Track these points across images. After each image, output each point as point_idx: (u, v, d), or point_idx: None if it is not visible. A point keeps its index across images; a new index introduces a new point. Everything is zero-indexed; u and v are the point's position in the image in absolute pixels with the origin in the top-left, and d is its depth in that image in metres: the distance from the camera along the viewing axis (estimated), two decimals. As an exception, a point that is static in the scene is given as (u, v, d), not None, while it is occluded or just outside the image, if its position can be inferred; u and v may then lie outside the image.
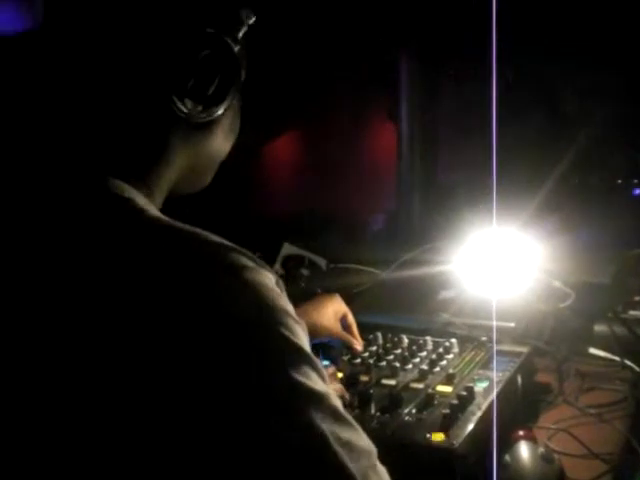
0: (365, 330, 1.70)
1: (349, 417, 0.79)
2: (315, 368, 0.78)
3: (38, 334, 0.77)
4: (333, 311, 1.24)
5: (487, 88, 1.44)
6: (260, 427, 0.73)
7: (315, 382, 0.77)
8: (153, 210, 0.85)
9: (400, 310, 1.92)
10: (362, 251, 2.66)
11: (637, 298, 1.83)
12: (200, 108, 0.87)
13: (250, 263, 0.78)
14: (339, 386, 1.33)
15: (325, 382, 0.79)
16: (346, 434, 0.77)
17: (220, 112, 0.89)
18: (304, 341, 0.79)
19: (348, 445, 0.76)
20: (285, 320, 0.77)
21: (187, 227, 0.81)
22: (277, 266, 2.29)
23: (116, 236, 0.79)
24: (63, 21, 0.87)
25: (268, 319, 0.76)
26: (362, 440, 0.79)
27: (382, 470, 0.81)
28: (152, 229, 0.81)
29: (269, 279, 0.79)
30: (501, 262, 1.81)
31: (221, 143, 0.97)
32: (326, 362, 1.51)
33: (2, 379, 0.77)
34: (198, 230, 0.81)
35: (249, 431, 0.73)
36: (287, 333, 0.76)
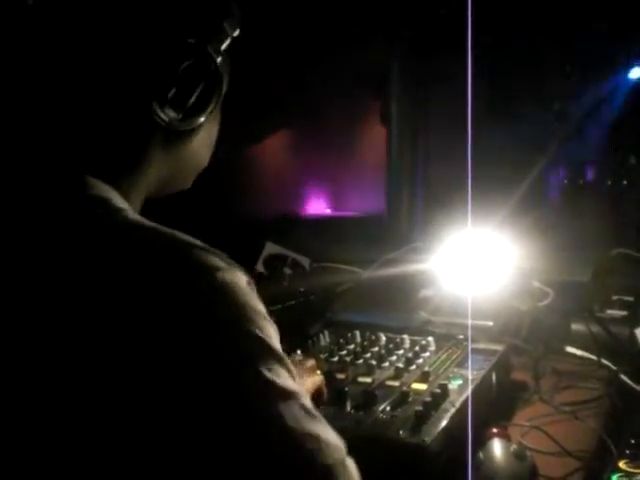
0: (345, 329, 1.71)
1: (318, 414, 0.81)
2: (285, 367, 0.80)
3: (12, 334, 0.78)
4: (312, 383, 1.27)
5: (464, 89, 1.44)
6: (230, 424, 0.75)
7: (285, 380, 0.78)
8: (130, 211, 0.86)
9: (381, 309, 1.93)
10: (347, 250, 2.67)
11: (615, 297, 1.85)
12: (180, 117, 0.88)
13: (222, 263, 0.79)
14: (319, 377, 1.34)
15: (295, 380, 0.81)
16: (316, 430, 0.78)
17: (200, 122, 0.90)
18: (275, 340, 0.81)
19: (318, 441, 0.77)
20: (256, 319, 0.78)
21: (162, 228, 0.82)
22: (259, 265, 2.29)
23: (92, 236, 0.80)
24: (47, 27, 0.87)
25: (240, 319, 0.77)
26: (331, 436, 0.80)
27: (351, 465, 0.82)
28: (128, 230, 0.82)
29: (241, 279, 0.80)
30: (480, 261, 1.82)
31: (200, 151, 0.98)
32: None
33: None
34: (173, 231, 0.82)
35: (220, 428, 0.75)
36: (258, 332, 0.78)
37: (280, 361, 0.79)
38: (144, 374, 0.74)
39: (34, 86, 0.89)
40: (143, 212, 0.91)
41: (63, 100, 0.88)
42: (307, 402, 0.80)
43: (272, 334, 0.80)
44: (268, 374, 0.77)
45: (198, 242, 0.81)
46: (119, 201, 0.86)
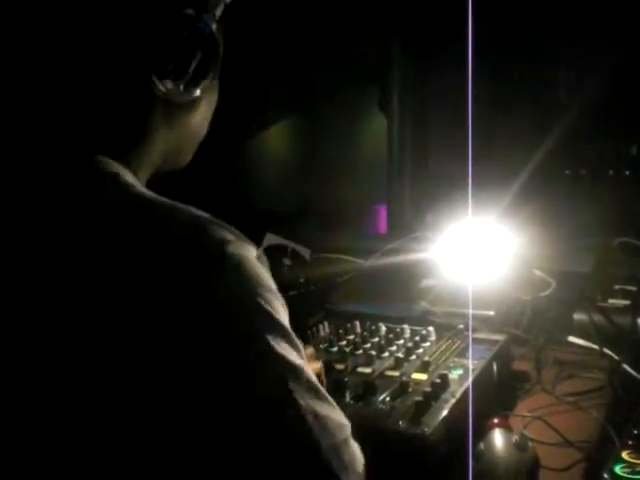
0: (345, 319, 1.70)
1: (324, 391, 0.82)
2: (293, 344, 0.80)
3: (25, 314, 0.78)
4: (311, 370, 1.26)
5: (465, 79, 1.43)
6: (239, 396, 0.75)
7: (293, 356, 0.79)
8: (139, 186, 0.85)
9: (381, 299, 1.92)
10: (348, 241, 2.65)
11: (617, 287, 1.83)
12: (180, 88, 0.88)
13: (232, 237, 0.79)
14: (318, 365, 1.33)
15: (302, 358, 0.81)
16: (321, 408, 0.79)
17: (199, 92, 0.90)
18: (284, 317, 0.81)
19: (323, 419, 0.79)
20: (266, 295, 0.79)
21: (172, 202, 0.82)
22: (262, 255, 2.28)
23: (108, 213, 0.79)
24: (44, 6, 0.86)
25: (250, 293, 0.77)
26: (336, 414, 0.82)
27: (354, 445, 0.84)
28: (138, 204, 0.81)
29: (251, 252, 0.80)
30: (481, 251, 1.81)
31: (200, 121, 0.98)
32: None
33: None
34: (183, 205, 0.82)
35: (229, 400, 0.75)
36: (268, 307, 0.78)
37: (287, 336, 0.80)
38: (157, 343, 0.74)
39: (34, 67, 0.89)
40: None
41: (64, 79, 0.87)
42: (314, 378, 0.81)
43: (281, 311, 0.81)
44: (278, 349, 0.77)
45: (209, 216, 0.81)
46: (130, 177, 0.86)
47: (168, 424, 0.75)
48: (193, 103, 0.93)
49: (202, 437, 0.75)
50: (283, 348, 0.78)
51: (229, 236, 0.79)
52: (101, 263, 0.76)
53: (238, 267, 0.77)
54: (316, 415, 0.78)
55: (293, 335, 0.82)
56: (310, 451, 0.78)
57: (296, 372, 0.79)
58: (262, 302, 0.78)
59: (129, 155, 0.88)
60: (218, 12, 0.90)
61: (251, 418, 0.76)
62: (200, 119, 0.97)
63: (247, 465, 0.77)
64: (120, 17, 0.85)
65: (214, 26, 0.89)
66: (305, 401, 0.78)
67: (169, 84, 0.86)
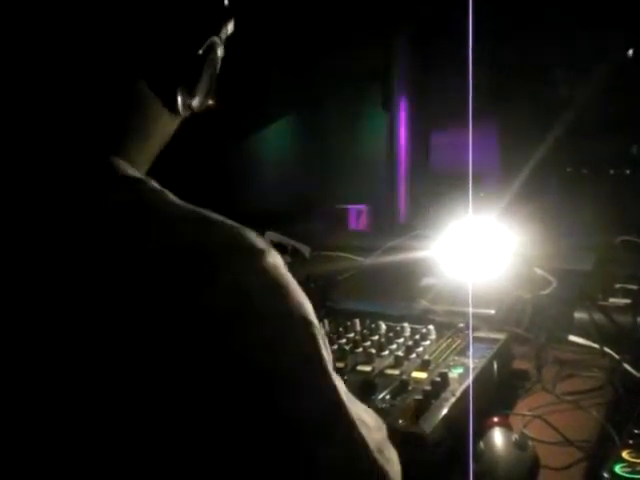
0: (345, 317, 1.69)
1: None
2: (327, 347, 0.81)
3: (30, 316, 0.76)
4: None
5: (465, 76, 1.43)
6: (281, 412, 0.75)
7: (329, 361, 0.80)
8: (166, 192, 0.84)
9: (382, 297, 1.92)
10: (348, 239, 2.65)
11: (618, 286, 1.82)
12: (194, 106, 0.90)
13: (265, 245, 0.79)
14: None
15: (331, 359, 0.82)
16: (360, 412, 0.82)
17: (196, 105, 0.91)
18: (317, 322, 0.81)
19: (364, 424, 0.81)
20: (303, 300, 0.79)
21: (203, 210, 0.81)
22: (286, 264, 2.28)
23: (141, 219, 0.78)
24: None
25: (289, 300, 0.77)
26: (373, 416, 0.87)
27: (391, 446, 0.88)
28: (172, 212, 0.80)
29: (281, 260, 0.80)
30: (482, 249, 1.81)
31: (171, 131, 0.97)
32: None
33: None
34: (213, 213, 0.81)
35: (267, 405, 0.74)
36: (305, 312, 0.79)
37: (322, 337, 0.81)
38: (181, 350, 0.72)
39: (38, 71, 0.87)
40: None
41: (79, 82, 0.85)
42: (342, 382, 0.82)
43: (313, 313, 0.81)
44: (323, 353, 0.78)
45: (241, 225, 0.80)
46: (151, 181, 0.84)
47: (182, 427, 0.73)
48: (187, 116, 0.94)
49: (235, 446, 0.74)
50: (326, 353, 0.79)
51: (264, 245, 0.79)
52: (134, 272, 0.74)
53: (275, 275, 0.77)
54: (360, 418, 0.80)
55: (325, 336, 0.82)
56: (363, 453, 0.79)
57: (336, 378, 0.80)
58: (301, 308, 0.78)
59: (136, 157, 0.88)
60: (224, 34, 0.93)
61: (297, 431, 0.75)
62: (172, 129, 0.97)
63: (303, 473, 0.77)
64: (152, 32, 0.85)
65: (221, 50, 0.92)
66: (349, 405, 0.79)
67: (191, 101, 0.89)
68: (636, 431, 1.20)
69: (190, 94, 0.88)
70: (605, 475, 1.09)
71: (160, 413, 0.73)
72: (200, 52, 0.87)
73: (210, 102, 0.95)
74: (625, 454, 1.14)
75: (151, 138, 0.91)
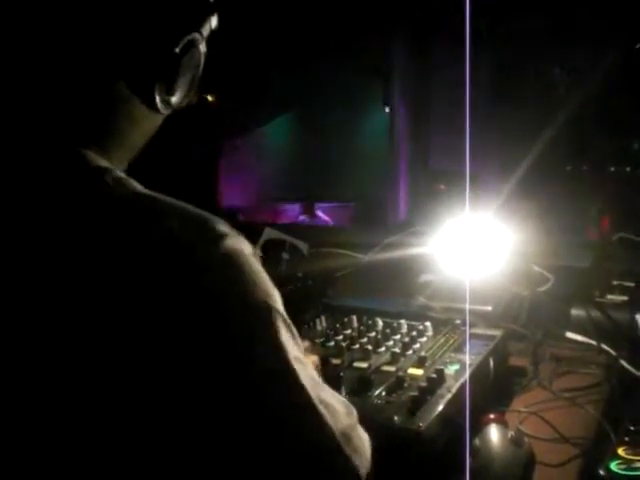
0: (342, 314, 1.69)
1: (321, 381, 0.85)
2: (292, 333, 0.82)
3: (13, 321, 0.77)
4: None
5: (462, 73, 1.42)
6: (246, 389, 0.76)
7: (295, 348, 0.81)
8: (133, 181, 0.85)
9: (379, 293, 1.92)
10: (346, 235, 2.65)
11: (615, 282, 1.82)
12: (174, 103, 0.90)
13: (229, 230, 0.80)
14: (314, 357, 1.33)
15: (301, 350, 0.83)
16: (326, 395, 0.82)
17: (180, 104, 0.92)
18: (282, 306, 0.82)
19: (331, 407, 0.81)
20: (268, 289, 0.80)
21: (168, 198, 0.82)
22: (258, 250, 2.27)
23: (101, 206, 0.79)
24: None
25: (250, 285, 0.78)
26: (341, 401, 0.86)
27: (362, 430, 0.88)
28: (137, 199, 0.81)
29: (247, 247, 0.81)
30: (480, 246, 1.80)
31: (154, 127, 0.97)
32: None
33: None
34: (178, 201, 0.82)
35: (236, 392, 0.76)
36: (268, 298, 0.79)
37: (290, 329, 0.82)
38: (158, 341, 0.74)
39: (14, 65, 0.87)
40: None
41: (53, 76, 0.86)
42: (312, 369, 0.84)
43: (278, 299, 0.82)
44: (279, 338, 0.79)
45: (202, 211, 0.82)
46: (117, 171, 0.85)
47: (171, 414, 0.75)
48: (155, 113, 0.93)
49: (213, 427, 0.76)
50: (287, 340, 0.80)
51: (227, 230, 0.79)
52: (97, 260, 0.76)
53: (237, 261, 0.78)
54: (324, 402, 0.81)
55: (292, 326, 0.83)
56: (324, 437, 0.80)
57: (299, 362, 0.80)
58: (263, 293, 0.79)
59: (111, 150, 0.88)
60: (206, 35, 0.92)
61: (260, 415, 0.77)
62: (155, 125, 0.96)
63: (260, 452, 0.78)
64: (117, 24, 0.85)
65: (203, 49, 0.91)
66: (312, 391, 0.80)
67: (169, 98, 0.88)
68: (632, 428, 1.20)
69: (168, 91, 0.88)
70: (601, 472, 1.09)
71: (155, 396, 0.74)
72: (177, 49, 0.87)
73: (195, 98, 0.94)
74: (621, 451, 1.14)
75: (131, 133, 0.91)
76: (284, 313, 0.82)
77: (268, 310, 0.79)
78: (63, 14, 0.83)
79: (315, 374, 0.83)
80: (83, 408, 0.74)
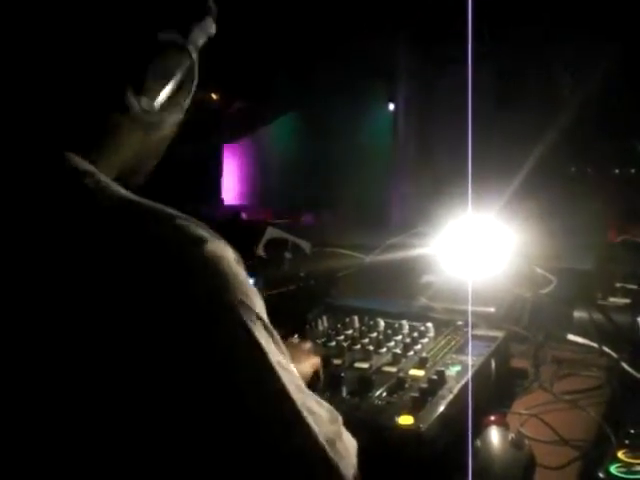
0: (344, 314, 1.69)
1: (306, 388, 0.84)
2: (275, 339, 0.82)
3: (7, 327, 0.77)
4: (310, 365, 1.29)
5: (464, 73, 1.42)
6: (227, 397, 0.76)
7: (275, 351, 0.81)
8: (112, 184, 0.85)
9: (381, 294, 1.92)
10: (349, 235, 2.65)
11: (618, 285, 1.82)
12: (151, 107, 0.88)
13: (208, 235, 0.79)
14: (316, 359, 1.33)
15: (284, 353, 0.83)
16: (310, 402, 0.81)
17: (168, 112, 0.91)
18: (264, 313, 0.82)
19: (314, 414, 0.80)
20: (247, 292, 0.80)
21: (145, 202, 0.82)
22: (260, 249, 2.27)
23: (78, 210, 0.79)
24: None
25: (229, 290, 0.78)
26: (326, 407, 0.84)
27: (348, 435, 0.87)
28: (113, 203, 0.81)
29: (227, 251, 0.80)
30: (483, 247, 1.80)
31: (162, 138, 0.97)
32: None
33: None
34: (158, 205, 0.82)
35: (218, 400, 0.75)
36: (249, 304, 0.79)
37: (270, 332, 0.81)
38: (134, 347, 0.74)
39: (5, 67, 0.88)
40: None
41: (36, 81, 0.87)
42: (297, 375, 0.83)
43: (261, 306, 0.82)
44: (262, 343, 0.78)
45: (181, 214, 0.81)
46: (98, 174, 0.85)
47: (157, 423, 0.75)
48: (159, 121, 0.93)
49: (196, 434, 0.75)
50: (267, 344, 0.79)
51: (206, 235, 0.79)
52: (76, 264, 0.76)
53: (216, 265, 0.78)
54: (308, 409, 0.80)
55: (275, 332, 0.83)
56: (309, 445, 0.79)
57: (280, 367, 0.80)
58: (245, 299, 0.79)
59: (95, 157, 0.88)
60: (200, 42, 0.92)
61: (239, 416, 0.76)
62: (161, 137, 0.97)
63: (243, 460, 0.77)
64: (99, 25, 0.85)
65: (194, 55, 0.91)
66: (293, 394, 0.79)
67: (141, 100, 0.87)
68: (632, 431, 1.20)
69: (138, 92, 0.87)
70: (600, 475, 1.09)
71: (150, 397, 0.74)
72: (147, 50, 0.86)
73: (187, 103, 0.93)
74: (621, 454, 1.14)
75: (117, 140, 0.90)
76: (265, 318, 0.81)
77: (247, 314, 0.78)
78: (42, 18, 0.84)
79: (299, 380, 0.82)
80: (69, 410, 0.75)
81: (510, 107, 2.78)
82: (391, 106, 5.59)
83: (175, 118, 0.95)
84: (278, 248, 2.28)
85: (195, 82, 0.93)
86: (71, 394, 0.74)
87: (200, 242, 0.78)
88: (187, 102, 0.94)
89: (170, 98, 0.90)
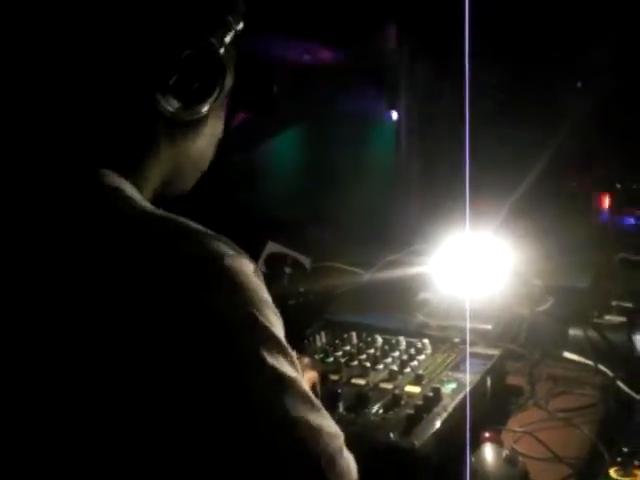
0: (342, 330, 1.71)
1: (317, 402, 0.83)
2: (287, 355, 0.82)
3: (21, 329, 0.79)
4: (308, 380, 1.30)
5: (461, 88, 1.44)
6: (231, 408, 0.76)
7: (286, 367, 0.80)
8: (141, 200, 0.87)
9: (379, 310, 1.93)
10: (349, 250, 2.66)
11: (614, 303, 1.83)
12: (182, 106, 0.88)
13: (230, 250, 0.80)
14: (313, 373, 1.34)
15: (296, 370, 0.83)
16: (315, 418, 0.81)
17: (202, 112, 0.91)
18: (279, 329, 0.82)
19: (317, 429, 0.80)
20: (262, 308, 0.80)
21: (171, 216, 0.84)
22: (260, 264, 2.29)
23: (105, 223, 0.81)
24: (48, 19, 0.88)
25: (246, 306, 0.79)
26: (331, 424, 0.83)
27: (349, 455, 0.85)
28: (139, 217, 0.83)
29: (248, 267, 0.81)
30: (480, 265, 1.82)
31: (204, 145, 0.98)
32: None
33: None
34: (182, 219, 0.83)
35: (220, 412, 0.76)
36: (264, 321, 0.79)
37: (282, 349, 0.81)
38: (150, 356, 0.75)
39: (38, 80, 0.90)
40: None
41: (67, 92, 0.88)
42: (307, 389, 0.83)
43: (276, 322, 0.82)
44: (269, 360, 0.78)
45: (206, 230, 0.82)
46: (131, 190, 0.87)
47: (161, 433, 0.76)
48: (196, 127, 0.94)
49: (195, 446, 0.76)
50: (277, 361, 0.79)
51: (227, 250, 0.80)
52: (100, 275, 0.77)
53: (235, 280, 0.78)
54: (310, 425, 0.80)
55: (288, 348, 0.83)
56: (305, 461, 0.79)
57: (290, 384, 0.80)
58: (258, 315, 0.79)
59: (132, 170, 0.89)
60: (227, 38, 0.92)
61: (244, 429, 0.77)
62: (203, 145, 0.97)
63: (242, 475, 0.78)
64: (125, 31, 0.86)
65: (221, 50, 0.90)
66: (298, 412, 0.79)
67: (172, 101, 0.87)
68: (625, 449, 1.21)
69: (167, 99, 0.87)
70: (592, 492, 1.11)
71: (156, 400, 0.76)
72: (175, 57, 0.86)
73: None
74: (612, 472, 1.15)
75: (155, 156, 0.92)
76: (279, 334, 0.82)
77: (261, 331, 0.79)
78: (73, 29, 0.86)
79: (307, 393, 0.82)
80: (81, 415, 0.76)
81: (511, 121, 2.79)
82: (394, 115, 5.56)
83: (212, 127, 0.97)
84: (278, 263, 2.30)
85: (226, 89, 0.93)
86: (86, 399, 0.76)
87: (221, 257, 0.79)
88: (221, 101, 0.94)
89: (201, 104, 0.90)
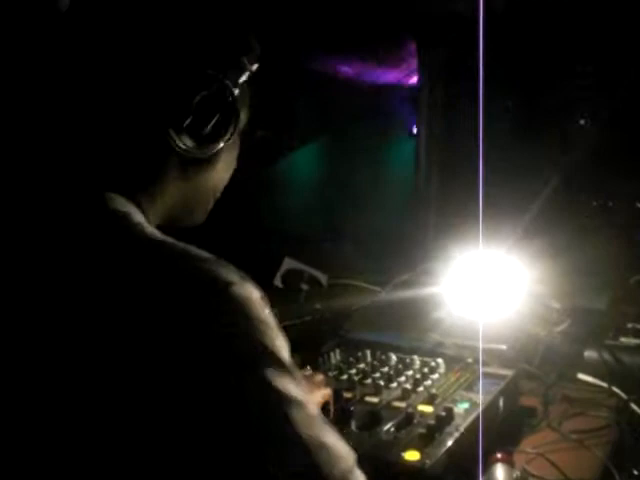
0: (356, 347, 1.72)
1: (327, 422, 0.84)
2: (294, 378, 0.82)
3: (35, 345, 0.81)
4: (321, 397, 1.31)
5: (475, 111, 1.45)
6: (234, 430, 0.77)
7: (292, 388, 0.81)
8: (149, 227, 0.88)
9: (394, 329, 1.93)
10: (367, 266, 2.66)
11: (630, 325, 1.83)
12: (195, 145, 0.90)
13: (235, 277, 0.81)
14: (327, 391, 1.35)
15: (304, 391, 0.83)
16: (325, 438, 0.81)
17: (214, 151, 0.93)
18: (284, 352, 0.83)
19: (327, 449, 0.80)
20: (267, 331, 0.81)
21: (177, 242, 0.85)
22: (277, 280, 2.31)
23: (109, 248, 0.83)
24: (69, 53, 0.91)
25: (249, 331, 0.80)
26: (339, 444, 0.83)
27: (360, 474, 0.85)
28: (144, 243, 0.84)
29: (253, 293, 0.82)
30: (495, 284, 1.82)
31: (216, 180, 1.01)
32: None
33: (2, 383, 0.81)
34: (187, 245, 0.85)
35: (224, 434, 0.77)
36: (268, 344, 0.80)
37: (287, 370, 0.82)
38: (152, 382, 0.77)
39: (55, 107, 0.93)
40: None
41: (83, 121, 0.91)
42: (315, 410, 0.83)
43: (282, 346, 0.83)
44: (275, 382, 0.79)
45: (212, 256, 0.84)
46: (137, 216, 0.88)
47: (167, 460, 0.77)
48: (210, 161, 0.96)
49: (199, 468, 0.77)
50: (285, 383, 0.80)
51: (234, 277, 0.81)
52: (106, 300, 0.79)
53: (242, 308, 0.80)
54: (320, 444, 0.80)
55: (295, 370, 0.84)
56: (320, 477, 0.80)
57: (298, 404, 0.80)
58: (265, 340, 0.80)
59: (141, 199, 0.91)
60: (242, 78, 0.93)
61: (252, 453, 0.77)
62: (216, 178, 1.00)
63: None
64: (141, 69, 0.89)
65: (236, 91, 0.92)
66: (307, 432, 0.79)
67: (186, 139, 0.89)
68: (635, 472, 1.21)
69: (178, 132, 0.88)
70: (603, 515, 1.11)
71: (155, 408, 0.77)
72: (187, 90, 0.88)
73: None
74: (623, 495, 1.15)
75: (165, 184, 0.94)
76: (285, 356, 0.82)
77: (265, 354, 0.80)
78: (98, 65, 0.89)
79: (315, 413, 0.83)
80: (86, 413, 0.78)
81: (527, 139, 2.79)
82: (414, 130, 5.57)
83: (225, 161, 0.99)
84: (295, 279, 2.31)
85: (240, 126, 0.95)
86: (90, 408, 0.77)
87: (227, 284, 0.80)
88: (234, 139, 0.96)
89: (214, 143, 0.92)
